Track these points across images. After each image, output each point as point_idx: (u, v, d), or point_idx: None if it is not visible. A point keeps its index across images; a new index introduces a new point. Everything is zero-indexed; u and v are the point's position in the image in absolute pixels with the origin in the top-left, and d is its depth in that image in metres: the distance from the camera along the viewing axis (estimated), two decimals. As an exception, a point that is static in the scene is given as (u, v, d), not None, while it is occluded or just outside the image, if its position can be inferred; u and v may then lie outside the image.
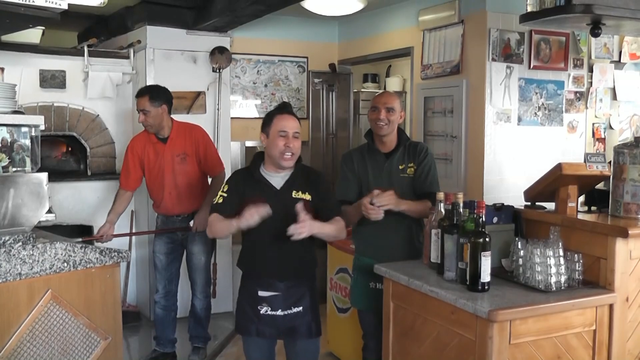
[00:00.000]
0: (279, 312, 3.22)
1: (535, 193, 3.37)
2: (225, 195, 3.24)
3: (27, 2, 3.01)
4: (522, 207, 3.41)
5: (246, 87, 6.73)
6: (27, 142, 3.29)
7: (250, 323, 3.26)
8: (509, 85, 5.07)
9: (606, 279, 2.92)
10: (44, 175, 3.30)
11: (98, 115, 5.92)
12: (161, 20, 5.78)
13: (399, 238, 3.59)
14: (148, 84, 5.35)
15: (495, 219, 3.22)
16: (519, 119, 5.15)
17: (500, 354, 2.61)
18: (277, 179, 3.24)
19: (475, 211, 2.85)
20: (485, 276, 2.78)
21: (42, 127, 3.36)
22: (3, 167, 3.21)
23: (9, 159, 3.22)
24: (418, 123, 5.73)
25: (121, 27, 6.23)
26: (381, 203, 3.35)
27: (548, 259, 2.86)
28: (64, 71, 5.69)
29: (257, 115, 6.73)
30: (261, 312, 3.22)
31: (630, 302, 2.96)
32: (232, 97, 6.43)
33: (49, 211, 3.36)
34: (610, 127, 5.75)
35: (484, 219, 2.84)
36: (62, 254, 3.15)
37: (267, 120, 3.23)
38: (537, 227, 3.24)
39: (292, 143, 3.15)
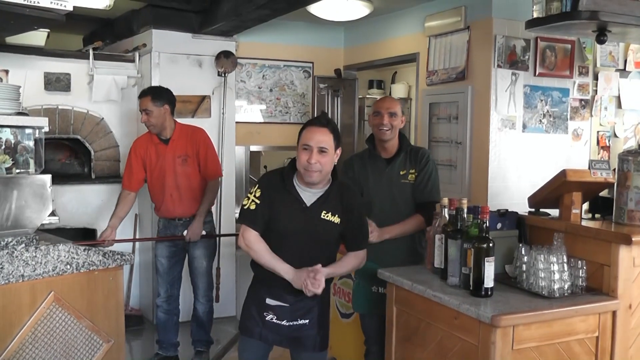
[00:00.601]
0: (284, 322, 3.10)
1: (539, 199, 3.36)
2: (257, 201, 3.02)
3: (32, 3, 3.00)
4: (526, 214, 3.41)
5: (251, 92, 6.73)
6: (31, 143, 3.30)
7: (255, 326, 3.15)
8: (514, 92, 5.06)
9: (609, 286, 2.92)
10: (47, 177, 3.30)
11: (102, 118, 5.93)
12: (167, 24, 5.79)
13: (402, 243, 3.58)
14: (153, 87, 5.35)
15: (499, 225, 3.23)
16: (524, 126, 5.14)
17: (503, 360, 2.61)
18: (308, 195, 3.04)
19: (479, 217, 2.85)
20: (489, 282, 2.78)
21: (46, 129, 3.36)
22: (6, 169, 3.21)
23: (12, 160, 3.23)
24: (423, 129, 5.73)
25: (127, 30, 6.25)
26: None
27: (552, 265, 2.85)
28: (68, 74, 5.69)
29: (262, 120, 6.76)
30: (266, 318, 3.12)
31: (633, 309, 2.95)
32: (237, 102, 6.43)
33: (53, 214, 3.36)
34: (615, 136, 5.74)
35: (487, 225, 2.84)
36: (65, 256, 3.14)
37: (300, 131, 3.04)
38: (541, 234, 3.24)
39: (315, 158, 2.91)
